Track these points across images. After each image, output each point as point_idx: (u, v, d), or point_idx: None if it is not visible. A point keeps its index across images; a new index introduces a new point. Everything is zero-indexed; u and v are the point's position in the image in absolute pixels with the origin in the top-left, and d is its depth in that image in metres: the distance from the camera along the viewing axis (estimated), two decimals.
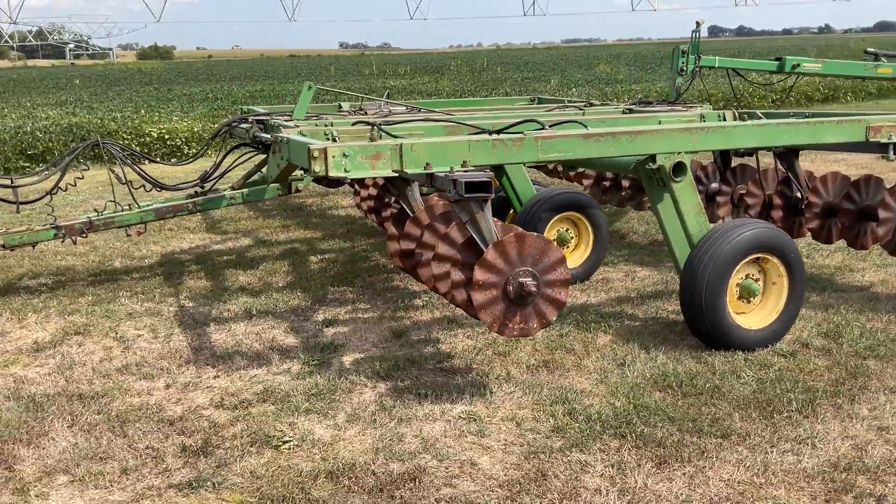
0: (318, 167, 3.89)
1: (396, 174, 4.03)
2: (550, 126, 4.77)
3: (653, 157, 4.52)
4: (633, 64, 36.88)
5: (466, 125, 5.48)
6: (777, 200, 5.75)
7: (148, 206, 6.29)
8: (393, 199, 5.85)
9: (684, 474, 3.23)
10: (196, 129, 15.28)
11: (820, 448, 3.39)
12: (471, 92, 20.60)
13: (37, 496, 3.28)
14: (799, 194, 5.69)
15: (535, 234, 3.77)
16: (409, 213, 4.78)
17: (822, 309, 5.05)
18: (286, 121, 6.47)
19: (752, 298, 4.48)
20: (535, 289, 3.68)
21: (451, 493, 3.18)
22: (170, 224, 8.48)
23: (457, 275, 3.85)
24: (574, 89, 19.53)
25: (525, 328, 3.76)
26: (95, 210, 6.21)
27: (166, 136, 14.77)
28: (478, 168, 4.06)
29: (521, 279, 3.69)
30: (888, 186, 5.22)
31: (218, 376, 4.44)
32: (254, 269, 6.73)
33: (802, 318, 4.82)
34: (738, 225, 4.43)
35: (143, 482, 3.36)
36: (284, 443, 3.62)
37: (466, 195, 3.68)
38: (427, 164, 4.01)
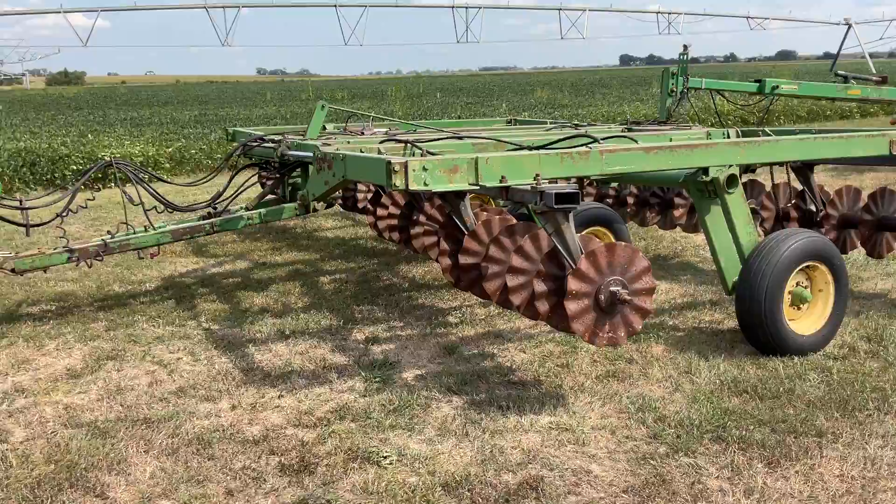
0: (398, 181, 3.89)
1: (474, 187, 4.05)
2: (603, 140, 4.87)
3: (705, 170, 4.66)
4: (565, 90, 37.77)
5: (501, 142, 5.54)
6: (793, 213, 5.98)
7: (163, 227, 6.13)
8: (422, 216, 5.85)
9: (797, 472, 3.32)
10: (150, 154, 14.95)
11: None
12: (422, 115, 20.69)
13: None
14: (813, 207, 5.93)
15: (624, 243, 3.84)
16: (463, 228, 4.80)
17: (853, 315, 5.26)
18: (302, 140, 6.42)
19: (802, 305, 4.65)
20: (627, 297, 3.74)
21: (578, 500, 3.19)
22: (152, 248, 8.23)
23: (540, 286, 3.89)
24: (525, 113, 19.85)
25: (614, 337, 3.81)
26: (109, 232, 6.00)
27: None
28: (551, 180, 4.12)
29: (612, 288, 3.75)
30: None
31: (282, 396, 4.33)
32: (265, 291, 6.60)
33: (841, 324, 5.00)
34: (790, 234, 4.59)
35: (252, 503, 3.26)
36: (384, 458, 3.56)
37: (556, 206, 3.73)
38: (503, 178, 4.05)
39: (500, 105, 24.02)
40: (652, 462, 3.44)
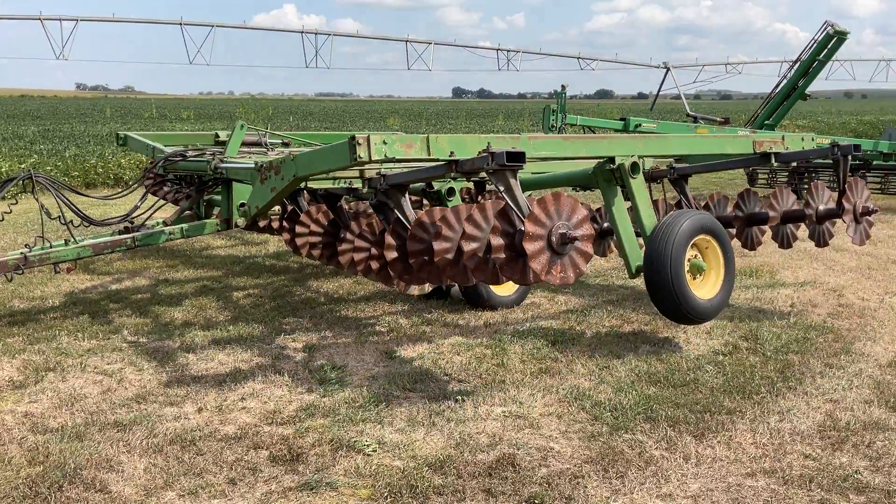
0: (362, 153, 4.36)
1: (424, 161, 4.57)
2: None
3: (611, 159, 5.38)
4: (419, 119, 38.79)
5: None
6: None
7: (83, 241, 6.12)
8: (349, 234, 6.19)
9: (720, 442, 3.98)
10: (4, 170, 14.26)
11: (802, 417, 4.30)
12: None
13: None
14: None
15: (567, 194, 4.39)
16: (405, 221, 5.22)
17: (727, 320, 6.11)
18: (223, 157, 6.62)
19: (699, 274, 5.37)
20: (576, 235, 4.25)
21: (551, 470, 3.69)
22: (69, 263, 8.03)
23: (497, 240, 4.31)
24: None
25: (564, 276, 4.27)
26: (27, 245, 5.94)
27: None
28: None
29: (561, 231, 4.24)
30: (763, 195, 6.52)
31: (245, 399, 4.57)
32: (180, 306, 6.69)
33: (719, 327, 5.83)
34: (682, 213, 5.30)
35: (258, 489, 3.53)
36: (367, 446, 3.91)
37: (508, 164, 4.24)
38: (452, 153, 4.57)
39: (363, 131, 24.49)
40: (601, 439, 4.01)
